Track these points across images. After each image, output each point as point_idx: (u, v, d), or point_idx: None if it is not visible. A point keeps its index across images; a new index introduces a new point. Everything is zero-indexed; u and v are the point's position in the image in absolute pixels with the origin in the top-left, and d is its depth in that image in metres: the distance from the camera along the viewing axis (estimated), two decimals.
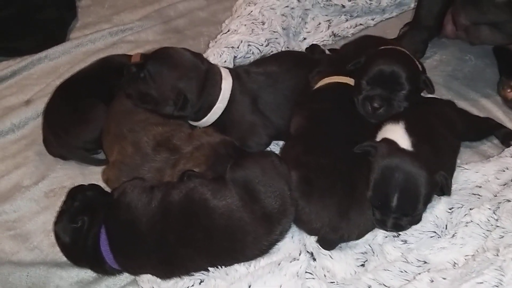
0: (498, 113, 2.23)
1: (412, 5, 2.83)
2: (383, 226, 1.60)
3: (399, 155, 1.58)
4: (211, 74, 1.94)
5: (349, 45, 2.32)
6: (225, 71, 2.01)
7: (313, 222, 1.63)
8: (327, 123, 1.79)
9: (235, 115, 1.98)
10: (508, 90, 2.25)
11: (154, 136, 1.82)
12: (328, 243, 1.66)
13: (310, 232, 1.68)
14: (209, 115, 1.94)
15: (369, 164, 1.62)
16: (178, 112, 1.84)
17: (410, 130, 1.65)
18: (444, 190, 1.61)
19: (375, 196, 1.58)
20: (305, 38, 2.61)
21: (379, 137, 1.70)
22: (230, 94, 1.96)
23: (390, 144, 1.62)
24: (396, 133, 1.66)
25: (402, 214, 1.56)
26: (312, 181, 1.64)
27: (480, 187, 1.73)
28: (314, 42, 2.59)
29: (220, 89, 1.94)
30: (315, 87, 1.96)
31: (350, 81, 1.92)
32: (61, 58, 2.63)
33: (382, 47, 1.93)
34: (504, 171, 1.77)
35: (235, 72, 2.06)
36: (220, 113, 1.96)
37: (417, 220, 1.60)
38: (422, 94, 1.97)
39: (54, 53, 2.63)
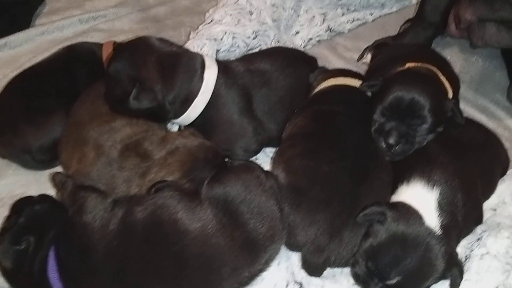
0: (509, 122, 2.02)
1: (414, 0, 2.62)
2: (363, 285, 1.36)
3: (422, 236, 1.30)
4: (186, 59, 1.69)
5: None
6: (210, 60, 1.76)
7: (297, 235, 1.41)
8: (336, 128, 1.55)
9: (222, 113, 1.73)
10: None
11: (122, 139, 1.57)
12: (313, 267, 1.42)
13: (291, 247, 1.46)
14: (189, 109, 1.68)
15: (379, 185, 1.38)
16: (133, 102, 1.58)
17: (444, 203, 1.37)
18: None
19: (372, 261, 1.32)
20: (298, 32, 2.37)
21: (399, 193, 1.43)
22: (216, 87, 1.71)
23: (411, 214, 1.34)
24: (424, 203, 1.37)
25: None
26: (304, 191, 1.42)
27: (495, 210, 1.50)
28: (309, 36, 2.36)
29: (202, 78, 1.69)
30: (319, 89, 1.71)
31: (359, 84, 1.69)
32: (23, 46, 2.35)
33: (403, 68, 1.66)
34: None
35: (224, 64, 1.81)
36: (202, 107, 1.70)
37: None
38: None
39: (15, 40, 2.35)
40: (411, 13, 2.52)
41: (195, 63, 1.70)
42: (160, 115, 1.66)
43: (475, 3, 2.06)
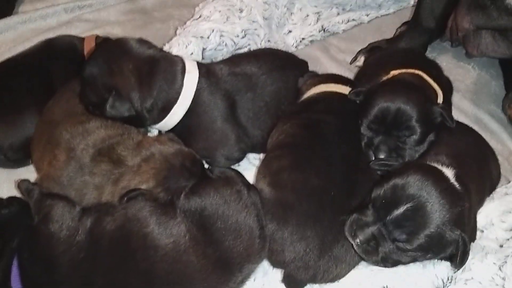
0: (503, 135, 1.95)
1: (412, 2, 2.55)
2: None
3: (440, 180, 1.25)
4: (165, 65, 1.61)
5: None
6: (191, 64, 1.68)
7: (284, 252, 1.33)
8: (326, 139, 1.47)
9: (203, 119, 1.65)
10: None
11: (95, 142, 1.49)
12: (296, 284, 1.36)
13: (275, 264, 1.39)
14: (168, 116, 1.61)
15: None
16: (110, 110, 1.51)
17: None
18: None
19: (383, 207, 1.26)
20: (290, 31, 2.29)
21: None
22: (197, 93, 1.63)
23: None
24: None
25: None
26: (292, 206, 1.34)
27: (482, 231, 1.44)
28: (301, 36, 2.28)
29: (182, 84, 1.61)
30: (308, 95, 1.64)
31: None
32: (4, 34, 2.26)
33: (387, 77, 1.59)
34: (510, 212, 1.48)
35: (207, 67, 1.73)
36: (182, 114, 1.63)
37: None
38: None
39: None
40: (408, 15, 2.44)
41: (175, 68, 1.63)
42: (138, 121, 1.59)
43: (473, 11, 1.99)
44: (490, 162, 1.53)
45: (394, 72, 1.60)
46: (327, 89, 1.63)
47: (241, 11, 2.07)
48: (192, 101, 1.61)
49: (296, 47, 2.28)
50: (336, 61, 2.25)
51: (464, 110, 2.02)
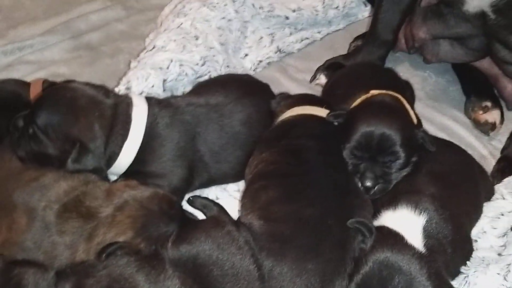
0: (471, 139, 1.98)
1: (360, 16, 2.59)
2: None
3: (405, 253, 1.20)
4: (121, 109, 1.52)
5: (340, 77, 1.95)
6: (138, 98, 1.58)
7: None
8: (311, 165, 1.41)
9: (156, 154, 1.54)
10: (480, 112, 2.00)
11: (58, 197, 1.34)
12: None
13: None
14: (120, 156, 1.50)
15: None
16: (73, 165, 1.40)
17: (429, 229, 1.28)
18: None
19: None
20: (247, 55, 2.24)
21: (383, 217, 1.33)
22: (151, 126, 1.53)
23: (394, 236, 1.25)
24: (410, 228, 1.28)
25: None
26: (288, 239, 1.26)
27: (476, 241, 1.42)
28: (258, 59, 2.23)
29: (131, 120, 1.51)
30: (284, 118, 1.57)
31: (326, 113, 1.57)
32: None
33: (366, 97, 1.55)
34: (499, 218, 1.47)
35: (161, 100, 1.65)
36: (135, 151, 1.51)
37: None
38: None
39: None
40: (358, 30, 2.47)
41: (127, 107, 1.52)
42: (99, 170, 1.47)
43: (429, 21, 2.02)
44: (477, 180, 1.51)
45: (373, 92, 1.56)
46: (303, 112, 1.57)
47: (196, 38, 2.00)
48: (145, 135, 1.51)
49: (254, 70, 2.23)
50: (296, 81, 2.22)
51: (429, 119, 2.03)
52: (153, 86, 1.77)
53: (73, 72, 2.18)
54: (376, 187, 1.40)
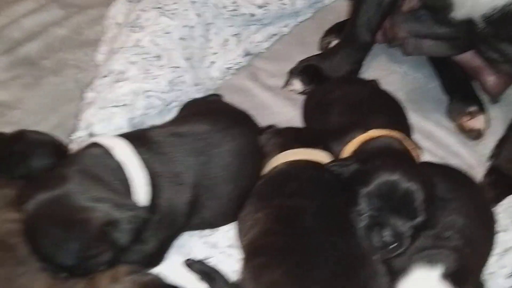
0: (459, 148, 1.88)
1: (326, 1, 2.37)
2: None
3: None
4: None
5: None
6: (107, 139, 1.36)
7: None
8: (311, 231, 1.25)
9: None
10: (465, 119, 1.92)
11: None
12: None
13: None
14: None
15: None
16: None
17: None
18: None
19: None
20: (213, 62, 2.01)
21: None
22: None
23: None
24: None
25: None
26: None
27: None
28: (226, 66, 2.01)
29: (119, 165, 1.29)
30: (276, 165, 1.41)
31: (324, 157, 1.41)
32: None
33: (367, 139, 1.40)
34: (506, 252, 1.42)
35: (136, 133, 1.44)
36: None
37: None
38: None
39: None
40: (326, 17, 2.30)
41: (107, 159, 1.29)
42: None
43: (410, 23, 1.88)
44: (492, 223, 1.43)
45: (372, 135, 1.41)
46: (296, 158, 1.41)
47: (158, 58, 1.74)
48: None
49: (222, 79, 2.02)
50: (269, 89, 2.02)
51: (414, 126, 1.91)
52: (121, 128, 1.52)
53: (14, 98, 1.87)
54: (393, 246, 1.25)
